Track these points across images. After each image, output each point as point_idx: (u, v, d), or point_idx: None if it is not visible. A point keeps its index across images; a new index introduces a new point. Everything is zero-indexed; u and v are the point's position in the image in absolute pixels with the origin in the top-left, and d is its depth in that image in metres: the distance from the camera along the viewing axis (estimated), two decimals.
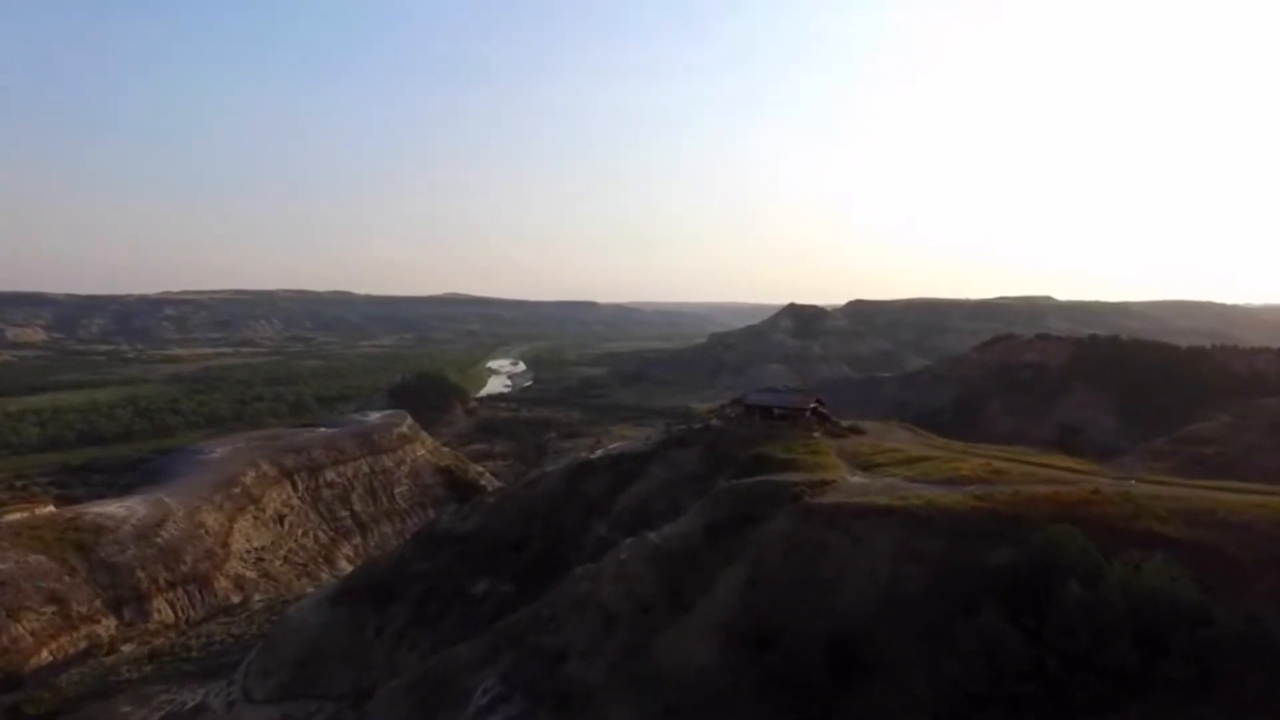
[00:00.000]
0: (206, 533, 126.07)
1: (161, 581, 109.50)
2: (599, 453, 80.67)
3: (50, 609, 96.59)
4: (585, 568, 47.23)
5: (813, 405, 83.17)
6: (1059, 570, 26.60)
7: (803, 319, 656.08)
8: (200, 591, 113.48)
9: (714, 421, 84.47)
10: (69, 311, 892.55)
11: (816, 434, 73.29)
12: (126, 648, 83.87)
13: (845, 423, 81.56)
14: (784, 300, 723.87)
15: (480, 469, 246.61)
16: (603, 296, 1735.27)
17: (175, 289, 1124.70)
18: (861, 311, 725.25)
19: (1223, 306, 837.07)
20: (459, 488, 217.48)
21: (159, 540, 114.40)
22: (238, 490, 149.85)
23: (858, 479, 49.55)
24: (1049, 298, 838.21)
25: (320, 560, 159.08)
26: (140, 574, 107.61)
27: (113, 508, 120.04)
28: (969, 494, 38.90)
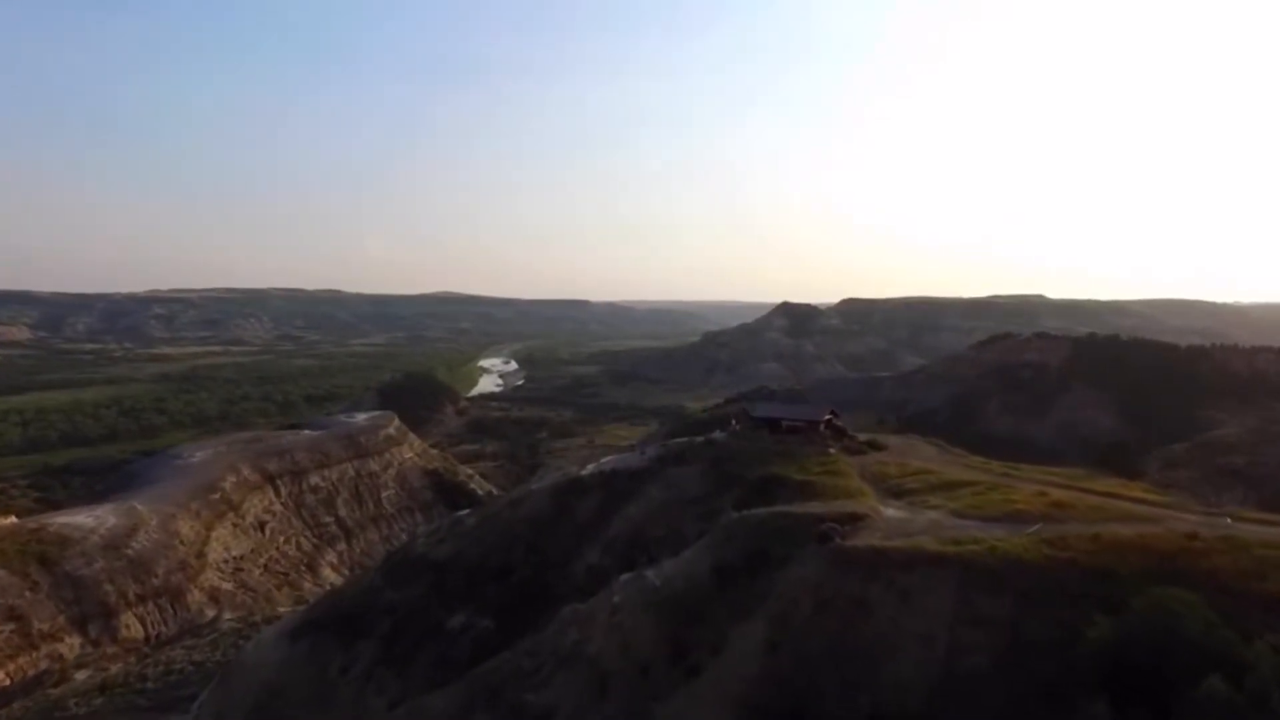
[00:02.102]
0: (181, 542, 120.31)
1: (130, 595, 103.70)
2: (590, 468, 73.46)
3: (9, 627, 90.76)
4: (573, 609, 41.19)
5: (827, 418, 76.68)
6: (1179, 651, 20.89)
7: (796, 317, 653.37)
8: (172, 605, 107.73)
9: (717, 434, 77.14)
10: (55, 310, 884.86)
11: (833, 450, 67.06)
12: (80, 675, 78.23)
13: (863, 436, 74.79)
14: (777, 298, 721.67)
15: (470, 471, 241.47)
16: (595, 295, 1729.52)
17: (164, 287, 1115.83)
18: (855, 310, 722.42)
19: (1214, 305, 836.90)
20: (447, 491, 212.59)
21: (129, 551, 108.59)
22: (216, 496, 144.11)
23: (893, 512, 43.13)
24: (1042, 296, 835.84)
25: (303, 568, 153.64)
26: (108, 588, 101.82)
27: (80, 517, 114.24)
28: (1035, 537, 32.99)
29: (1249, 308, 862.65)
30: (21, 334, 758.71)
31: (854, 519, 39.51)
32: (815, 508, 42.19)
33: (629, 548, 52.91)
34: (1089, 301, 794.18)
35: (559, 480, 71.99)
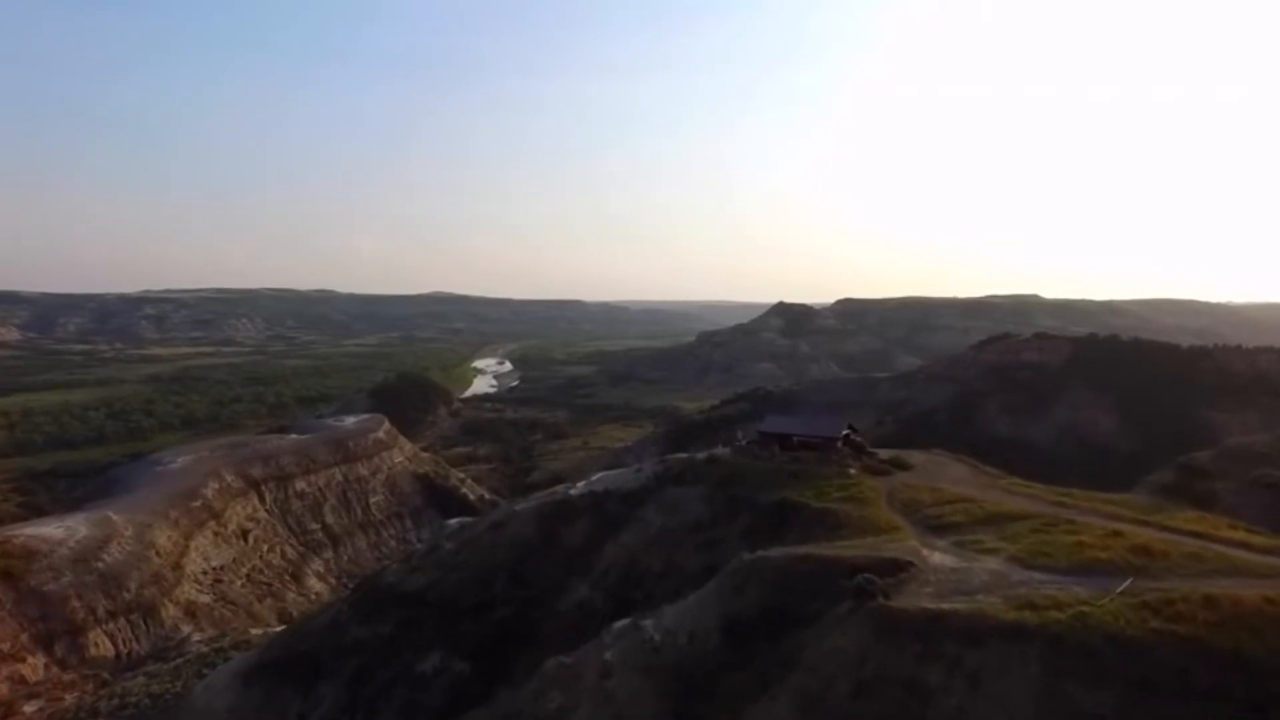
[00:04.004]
0: (157, 553, 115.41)
1: (100, 612, 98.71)
2: (580, 487, 67.97)
3: None
4: (558, 664, 35.72)
5: (845, 433, 69.39)
6: None
7: (792, 317, 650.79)
8: (145, 621, 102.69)
9: (720, 450, 70.73)
10: (45, 310, 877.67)
11: (853, 471, 60.13)
12: (30, 706, 73.37)
13: (884, 453, 67.34)
14: (771, 298, 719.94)
15: (462, 475, 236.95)
16: (589, 294, 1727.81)
17: (156, 287, 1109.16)
18: (850, 310, 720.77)
19: (1208, 304, 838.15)
20: (438, 496, 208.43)
21: (100, 564, 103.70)
22: (197, 504, 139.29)
23: (940, 556, 36.00)
24: (1037, 296, 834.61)
25: (287, 578, 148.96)
26: (76, 604, 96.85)
27: (49, 528, 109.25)
28: (1131, 599, 26.52)
29: (1242, 307, 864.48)
30: (11, 334, 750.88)
31: (895, 567, 33.11)
32: (844, 549, 36.00)
33: (622, 582, 47.68)
34: (1084, 301, 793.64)
35: (545, 501, 66.57)
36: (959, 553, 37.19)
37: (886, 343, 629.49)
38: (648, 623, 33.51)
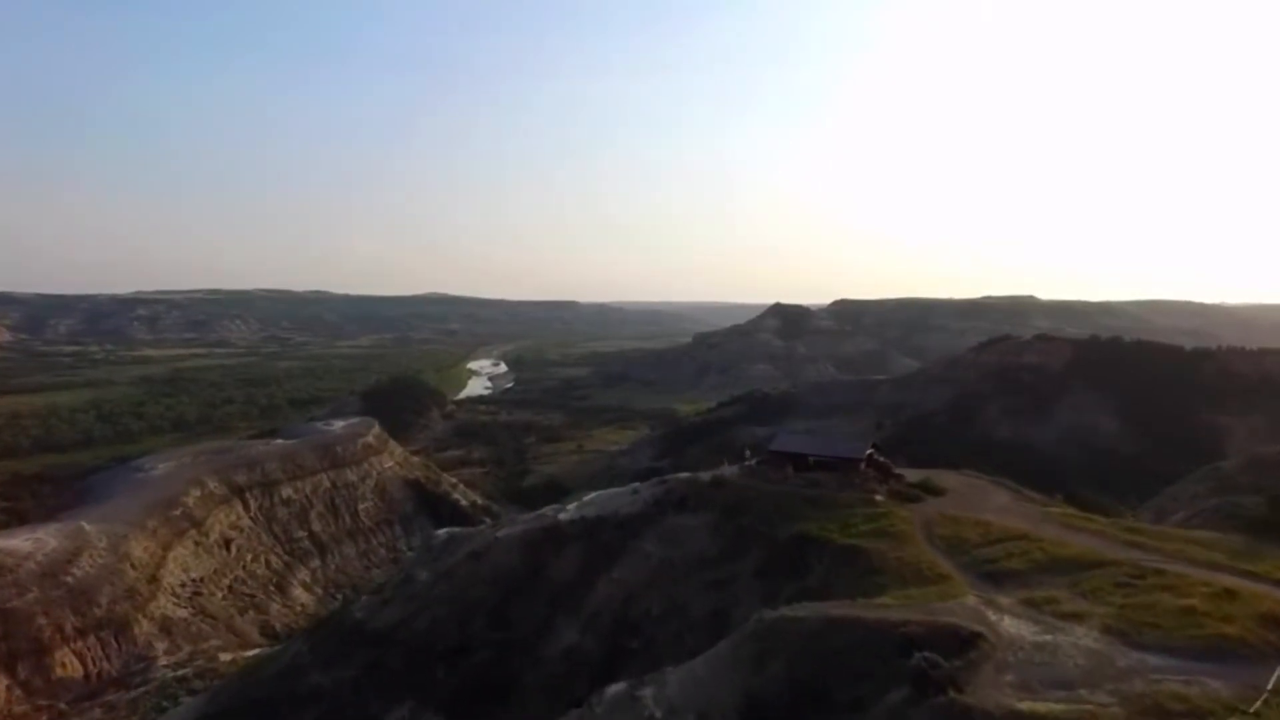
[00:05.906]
0: (132, 566, 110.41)
1: (68, 629, 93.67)
2: (570, 511, 61.53)
3: None
4: None
5: (868, 452, 62.29)
6: None
7: (788, 318, 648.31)
8: (116, 639, 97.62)
9: (726, 471, 63.84)
10: (37, 311, 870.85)
11: (879, 497, 53.46)
12: None
13: (912, 476, 59.80)
14: (766, 299, 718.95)
15: (454, 480, 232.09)
16: (584, 295, 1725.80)
17: (149, 288, 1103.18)
18: (847, 311, 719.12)
19: (1203, 305, 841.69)
20: (429, 502, 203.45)
21: (69, 578, 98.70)
22: (177, 512, 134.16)
23: (1012, 624, 28.11)
24: (1033, 297, 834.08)
25: (271, 588, 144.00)
26: (42, 621, 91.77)
27: (16, 541, 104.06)
28: None
29: (1237, 308, 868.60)
30: (1, 335, 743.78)
31: (960, 641, 25.49)
32: (889, 608, 29.35)
33: (616, 626, 42.18)
34: (1079, 302, 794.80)
35: (531, 527, 59.68)
36: (1035, 617, 29.49)
37: (883, 344, 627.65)
38: (647, 692, 27.78)
